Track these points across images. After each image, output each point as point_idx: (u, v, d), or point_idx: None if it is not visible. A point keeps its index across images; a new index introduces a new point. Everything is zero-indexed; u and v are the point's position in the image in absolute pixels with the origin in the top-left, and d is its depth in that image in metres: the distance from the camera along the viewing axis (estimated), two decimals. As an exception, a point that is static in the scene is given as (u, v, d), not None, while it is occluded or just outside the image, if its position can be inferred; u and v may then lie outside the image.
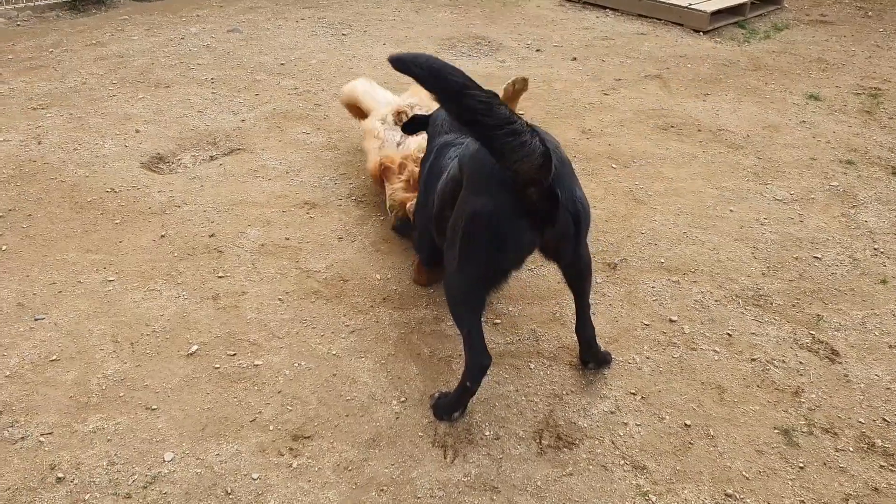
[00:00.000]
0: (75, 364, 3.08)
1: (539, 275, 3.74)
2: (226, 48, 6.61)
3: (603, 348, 3.22)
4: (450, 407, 2.86)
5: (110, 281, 3.57)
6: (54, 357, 3.11)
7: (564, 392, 3.05)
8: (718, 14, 7.71)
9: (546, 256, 2.84)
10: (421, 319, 3.42)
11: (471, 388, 2.80)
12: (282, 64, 6.31)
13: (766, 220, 4.29)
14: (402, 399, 2.98)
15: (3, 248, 3.77)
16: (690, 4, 7.72)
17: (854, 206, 4.45)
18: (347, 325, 3.36)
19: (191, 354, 3.15)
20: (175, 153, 4.82)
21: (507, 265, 2.70)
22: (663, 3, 7.84)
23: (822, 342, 3.36)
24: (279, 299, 3.49)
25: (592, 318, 3.14)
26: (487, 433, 2.84)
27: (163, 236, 3.91)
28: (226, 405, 2.92)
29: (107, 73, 5.94)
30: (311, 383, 3.04)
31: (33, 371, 3.04)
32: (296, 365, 3.13)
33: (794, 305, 3.59)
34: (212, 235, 3.93)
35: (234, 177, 4.49)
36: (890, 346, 3.34)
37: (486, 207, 2.56)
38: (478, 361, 2.75)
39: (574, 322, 3.09)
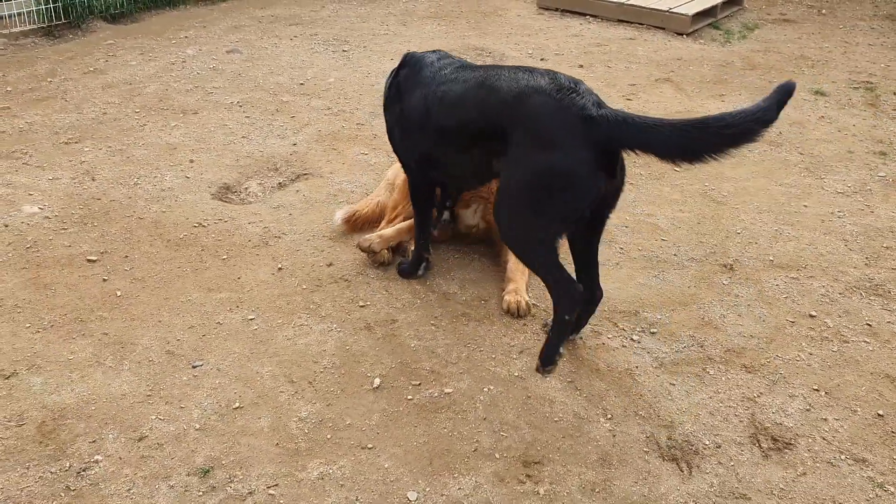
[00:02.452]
0: (262, 409, 2.95)
1: (666, 280, 3.80)
2: (234, 70, 6.41)
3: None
4: (555, 348, 3.05)
5: (251, 319, 3.42)
6: (236, 404, 2.97)
7: (754, 395, 3.12)
8: (696, 16, 7.99)
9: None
10: (579, 334, 3.41)
11: (569, 321, 3.02)
12: (300, 84, 6.16)
13: (842, 213, 4.49)
14: (609, 416, 2.98)
15: (118, 293, 3.56)
16: (671, 8, 7.96)
17: (912, 195, 4.71)
18: (513, 345, 3.34)
19: (377, 388, 3.06)
20: (240, 182, 4.65)
21: (582, 213, 2.87)
22: (645, 7, 8.06)
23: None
24: (432, 324, 3.43)
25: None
26: (707, 442, 2.88)
27: (280, 269, 3.77)
28: (439, 437, 2.85)
29: (123, 102, 5.66)
30: (512, 407, 3.00)
31: (222, 421, 2.89)
32: (486, 390, 3.08)
33: (910, 292, 3.78)
34: (330, 265, 3.82)
35: (318, 203, 4.37)
36: None
37: (566, 162, 2.76)
38: (570, 291, 2.96)
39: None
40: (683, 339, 3.42)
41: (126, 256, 3.83)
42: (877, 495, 2.67)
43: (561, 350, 3.05)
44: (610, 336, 3.41)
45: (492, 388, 3.10)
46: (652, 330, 3.46)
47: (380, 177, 4.52)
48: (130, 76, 6.17)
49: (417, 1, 8.72)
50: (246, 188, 4.60)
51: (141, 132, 5.20)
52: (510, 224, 3.01)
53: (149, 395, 2.99)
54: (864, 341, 3.44)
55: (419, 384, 3.09)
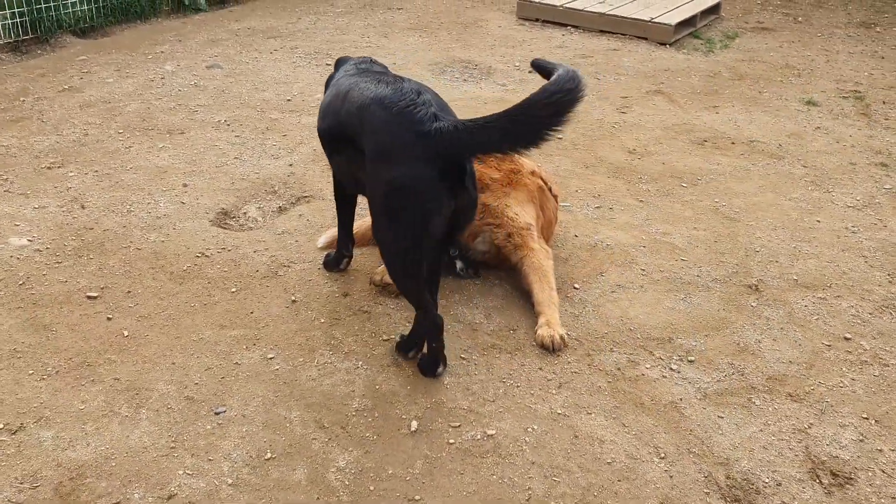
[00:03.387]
0: (296, 460, 2.76)
1: (693, 304, 3.69)
2: (217, 86, 6.17)
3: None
4: (434, 365, 3.13)
5: (271, 358, 3.23)
6: (268, 455, 2.77)
7: (804, 425, 3.01)
8: (677, 26, 7.95)
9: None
10: (616, 364, 3.29)
11: (437, 348, 3.10)
12: (287, 100, 5.96)
13: (856, 228, 4.44)
14: (661, 455, 2.85)
15: (125, 333, 3.34)
16: (653, 18, 7.91)
17: (922, 208, 4.67)
18: (550, 379, 3.19)
19: (415, 432, 2.89)
20: (238, 206, 4.44)
21: (436, 231, 2.85)
22: (627, 18, 8.00)
23: None
24: (462, 358, 3.27)
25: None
26: (766, 479, 2.76)
27: (294, 301, 3.58)
28: (488, 484, 2.69)
29: (105, 122, 5.40)
30: (560, 448, 2.85)
31: (255, 474, 2.69)
32: (529, 430, 2.93)
33: (939, 311, 3.72)
34: (346, 295, 3.64)
35: (324, 227, 4.18)
36: None
37: (406, 178, 2.74)
38: (434, 322, 3.04)
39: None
40: (723, 367, 3.30)
41: (129, 292, 3.60)
42: (948, 532, 2.57)
43: (440, 369, 3.14)
44: (648, 366, 3.29)
45: (535, 427, 2.94)
46: (689, 358, 3.34)
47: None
48: (108, 94, 5.90)
49: (396, 12, 8.56)
50: (245, 213, 4.40)
51: (127, 154, 4.95)
52: (378, 241, 3.06)
53: (172, 448, 2.78)
54: (904, 364, 3.36)
55: (459, 426, 2.93)
